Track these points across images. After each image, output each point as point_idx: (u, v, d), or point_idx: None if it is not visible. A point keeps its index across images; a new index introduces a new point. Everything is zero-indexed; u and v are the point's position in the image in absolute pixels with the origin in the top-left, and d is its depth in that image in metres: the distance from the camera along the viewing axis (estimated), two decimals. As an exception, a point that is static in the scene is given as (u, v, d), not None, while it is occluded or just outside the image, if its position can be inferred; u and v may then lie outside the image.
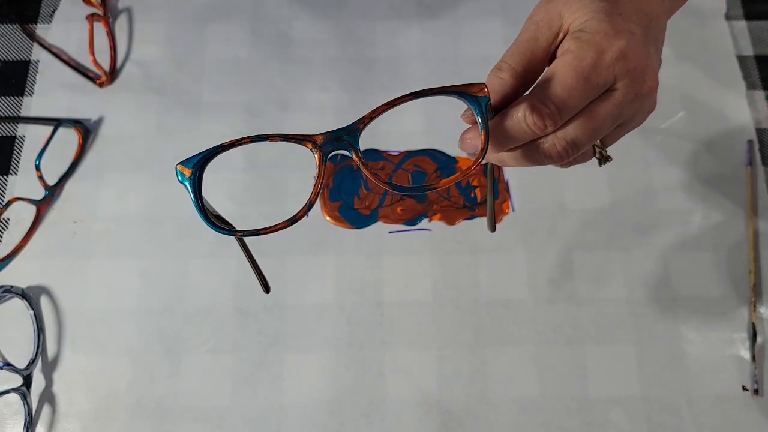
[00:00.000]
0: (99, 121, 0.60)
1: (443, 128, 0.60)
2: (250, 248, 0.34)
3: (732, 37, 0.64)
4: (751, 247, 0.55)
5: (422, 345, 0.53)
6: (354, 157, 0.31)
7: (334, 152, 0.31)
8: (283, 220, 0.31)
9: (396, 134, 0.59)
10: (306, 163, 0.58)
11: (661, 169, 0.58)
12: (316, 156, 0.31)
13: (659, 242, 0.56)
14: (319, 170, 0.31)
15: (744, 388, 0.51)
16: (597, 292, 0.54)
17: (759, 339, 0.53)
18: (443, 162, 0.59)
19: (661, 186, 0.58)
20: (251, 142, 0.31)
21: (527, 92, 0.33)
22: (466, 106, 0.33)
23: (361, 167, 0.31)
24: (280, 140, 0.31)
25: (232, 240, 0.56)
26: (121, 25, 0.64)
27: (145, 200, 0.57)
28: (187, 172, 0.30)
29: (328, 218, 0.56)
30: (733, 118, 0.60)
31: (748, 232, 0.56)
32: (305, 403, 0.51)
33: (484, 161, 0.32)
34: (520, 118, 0.31)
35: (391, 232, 0.56)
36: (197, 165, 0.30)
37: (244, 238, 0.34)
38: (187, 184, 0.31)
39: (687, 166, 0.59)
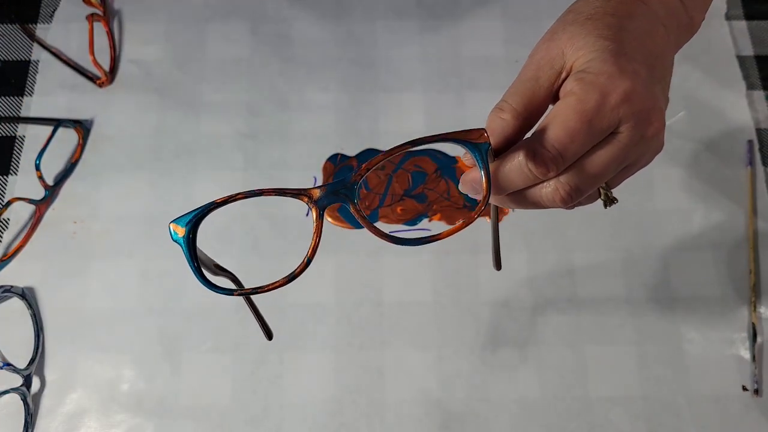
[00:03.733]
0: (99, 121, 0.60)
1: (443, 128, 0.59)
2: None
3: (732, 37, 0.64)
4: (751, 247, 0.55)
5: (422, 345, 0.53)
6: (352, 210, 0.30)
7: (332, 202, 0.29)
8: (282, 276, 0.29)
9: (396, 134, 0.59)
10: (306, 162, 0.58)
11: (661, 169, 0.58)
12: (313, 211, 0.29)
13: (659, 242, 0.56)
14: (316, 225, 0.29)
15: (744, 388, 0.51)
16: (597, 292, 0.54)
17: (759, 339, 0.53)
18: (443, 162, 0.58)
19: (661, 186, 0.58)
20: (245, 197, 0.29)
21: (529, 134, 0.31)
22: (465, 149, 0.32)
23: (361, 221, 0.30)
24: (275, 195, 0.29)
25: (231, 240, 0.56)
26: (121, 25, 0.64)
27: (145, 200, 0.57)
28: (181, 231, 0.29)
29: (328, 218, 0.56)
30: (733, 118, 0.60)
31: (748, 232, 0.56)
32: (305, 403, 0.51)
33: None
34: (522, 162, 0.30)
35: (391, 233, 0.56)
36: (190, 223, 0.29)
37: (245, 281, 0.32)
38: (182, 244, 0.29)
39: (687, 166, 0.59)
